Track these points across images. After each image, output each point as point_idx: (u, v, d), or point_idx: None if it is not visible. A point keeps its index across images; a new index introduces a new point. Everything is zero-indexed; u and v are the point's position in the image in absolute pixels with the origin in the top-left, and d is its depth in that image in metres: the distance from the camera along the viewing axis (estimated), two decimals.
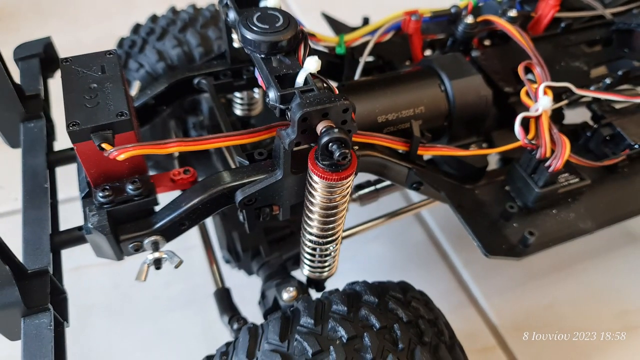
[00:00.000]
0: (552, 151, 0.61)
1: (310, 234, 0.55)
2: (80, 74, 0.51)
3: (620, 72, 0.75)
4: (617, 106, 0.74)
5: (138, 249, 0.55)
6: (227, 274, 0.81)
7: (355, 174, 0.49)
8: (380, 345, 0.51)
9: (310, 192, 0.50)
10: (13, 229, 0.63)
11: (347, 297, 0.55)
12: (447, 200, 0.63)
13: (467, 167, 0.66)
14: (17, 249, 0.51)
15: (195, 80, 0.67)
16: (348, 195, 0.51)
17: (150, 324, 0.89)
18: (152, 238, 0.54)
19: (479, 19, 0.74)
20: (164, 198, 0.56)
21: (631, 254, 1.00)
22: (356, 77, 0.75)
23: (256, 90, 0.75)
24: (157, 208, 0.56)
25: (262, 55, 0.50)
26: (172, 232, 0.55)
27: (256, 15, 0.50)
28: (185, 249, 0.95)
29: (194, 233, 0.89)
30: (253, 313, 0.73)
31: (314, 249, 0.58)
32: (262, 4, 0.54)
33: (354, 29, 0.80)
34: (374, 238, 1.01)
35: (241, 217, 0.58)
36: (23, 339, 0.47)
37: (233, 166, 0.63)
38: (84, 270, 0.94)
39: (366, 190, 0.78)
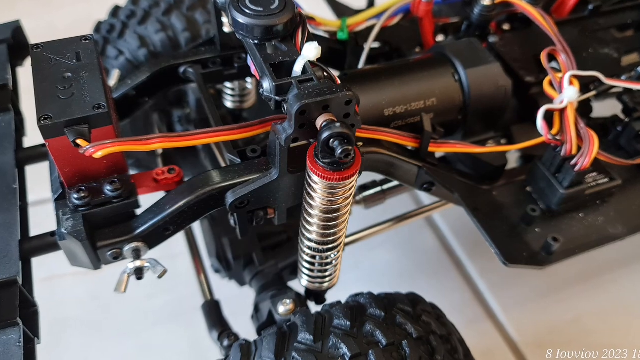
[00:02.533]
0: (579, 148, 0.61)
1: (309, 240, 0.55)
2: (53, 62, 0.51)
3: None
4: None
5: (117, 257, 0.55)
6: (216, 285, 0.81)
7: (359, 174, 0.49)
8: None
9: (309, 194, 0.50)
10: None
11: (350, 311, 0.55)
12: (462, 202, 0.63)
13: (483, 165, 0.66)
14: None
15: (181, 69, 0.67)
16: (351, 197, 0.51)
17: (131, 339, 0.89)
18: (133, 245, 0.54)
19: (497, 0, 0.74)
20: (147, 200, 0.56)
21: None
22: (360, 65, 0.75)
23: (249, 80, 0.75)
24: (139, 211, 0.56)
25: (256, 41, 0.50)
26: (155, 238, 0.55)
27: None
28: (170, 256, 0.95)
29: (179, 239, 0.89)
30: (245, 328, 0.73)
31: (314, 257, 0.58)
32: None
33: (357, 12, 0.80)
34: (380, 244, 1.01)
35: (232, 222, 0.58)
36: None
37: (223, 165, 0.63)
38: (57, 280, 0.94)
39: (371, 191, 0.78)
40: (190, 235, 0.86)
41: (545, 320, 0.93)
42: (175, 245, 0.92)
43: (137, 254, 0.55)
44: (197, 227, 0.92)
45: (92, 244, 0.52)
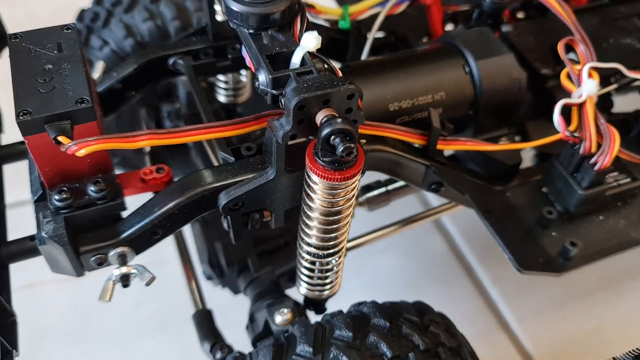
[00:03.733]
0: (599, 145, 0.61)
1: (309, 244, 0.55)
2: (33, 53, 0.51)
3: None
4: None
5: (102, 263, 0.55)
6: (208, 293, 0.80)
7: (362, 173, 0.49)
8: None
9: (308, 195, 0.50)
10: None
11: (352, 321, 0.55)
12: (473, 204, 0.63)
13: (496, 164, 0.66)
14: None
15: (171, 61, 0.67)
16: (353, 199, 0.51)
17: (117, 351, 0.89)
18: (119, 250, 0.54)
19: None
20: (133, 202, 0.56)
21: None
22: (363, 56, 0.75)
23: (243, 72, 0.74)
24: (125, 214, 0.56)
25: (251, 31, 0.50)
26: (142, 242, 0.55)
27: None
28: (159, 262, 0.95)
29: (168, 244, 0.89)
30: (240, 339, 0.73)
31: (313, 263, 0.58)
32: None
33: None
34: (384, 249, 1.01)
35: (225, 225, 0.58)
36: None
37: (216, 163, 0.63)
38: (37, 288, 0.94)
39: (375, 192, 0.78)
40: (181, 240, 0.85)
41: (563, 331, 0.93)
42: (164, 250, 0.92)
43: (123, 260, 0.54)
44: (187, 230, 0.92)
45: (74, 248, 0.52)
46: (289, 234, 0.79)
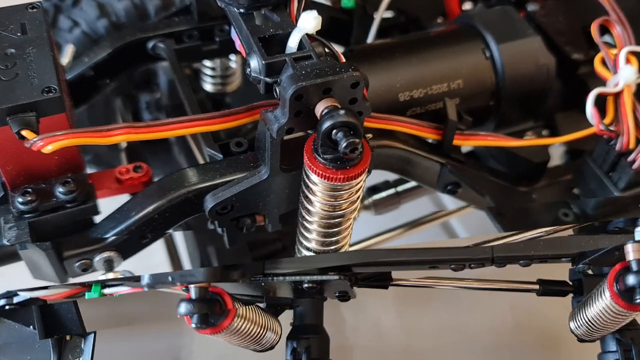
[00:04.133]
0: (638, 141, 0.61)
1: (308, 250, 0.55)
2: None
3: None
4: None
5: (87, 269, 0.55)
6: None
7: (369, 172, 0.49)
8: None
9: (307, 197, 0.50)
10: None
11: None
12: (494, 207, 0.63)
13: (521, 162, 0.66)
14: None
15: (150, 44, 0.67)
16: (358, 201, 0.51)
17: None
18: (105, 255, 0.54)
19: None
20: (109, 204, 0.55)
21: None
22: (369, 39, 0.75)
23: (233, 57, 0.74)
24: (99, 218, 0.56)
25: (242, 10, 0.50)
26: (130, 246, 0.56)
27: None
28: (147, 268, 0.94)
29: (158, 248, 0.89)
30: None
31: None
32: None
33: None
34: None
35: (212, 227, 0.58)
36: None
37: (201, 161, 0.63)
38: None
39: (383, 194, 0.78)
40: (171, 244, 0.86)
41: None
42: (154, 255, 0.92)
43: (109, 266, 0.55)
44: (179, 233, 0.92)
45: (57, 253, 0.53)
46: (287, 237, 0.79)
